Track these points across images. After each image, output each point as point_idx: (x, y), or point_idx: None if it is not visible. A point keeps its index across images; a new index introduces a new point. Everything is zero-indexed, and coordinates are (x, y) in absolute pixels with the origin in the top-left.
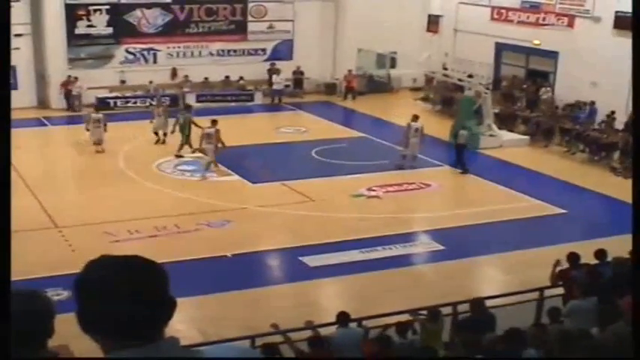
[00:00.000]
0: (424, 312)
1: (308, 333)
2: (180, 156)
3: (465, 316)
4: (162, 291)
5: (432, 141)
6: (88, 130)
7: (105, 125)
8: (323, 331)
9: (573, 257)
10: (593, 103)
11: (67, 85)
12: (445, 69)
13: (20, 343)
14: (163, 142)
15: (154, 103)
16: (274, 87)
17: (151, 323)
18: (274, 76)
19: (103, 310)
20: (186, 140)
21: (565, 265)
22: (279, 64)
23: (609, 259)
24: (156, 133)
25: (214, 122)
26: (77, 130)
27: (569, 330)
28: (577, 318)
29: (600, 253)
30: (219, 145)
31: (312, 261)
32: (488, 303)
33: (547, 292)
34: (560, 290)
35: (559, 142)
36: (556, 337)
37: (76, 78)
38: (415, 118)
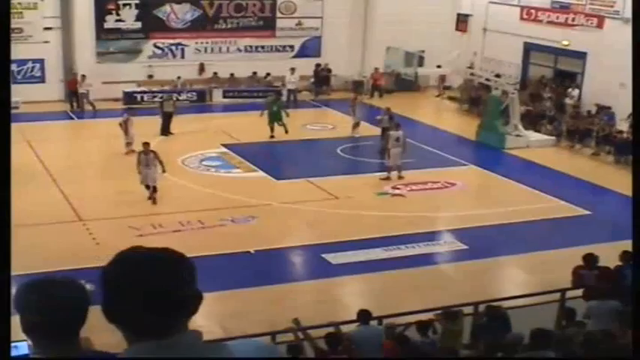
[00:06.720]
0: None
1: (329, 330)
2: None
3: (480, 320)
4: (189, 285)
5: (458, 140)
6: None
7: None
8: (344, 329)
9: (589, 258)
10: (609, 107)
11: (74, 83)
12: (471, 68)
13: (56, 331)
14: (154, 200)
15: (180, 98)
16: (288, 86)
17: (175, 317)
18: (287, 75)
19: (129, 302)
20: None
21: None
22: (305, 62)
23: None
24: (147, 187)
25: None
26: (103, 124)
27: (592, 331)
28: (597, 319)
29: (626, 255)
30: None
31: (335, 258)
32: (511, 303)
33: (569, 294)
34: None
35: (586, 144)
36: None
37: (83, 76)
38: (397, 126)
